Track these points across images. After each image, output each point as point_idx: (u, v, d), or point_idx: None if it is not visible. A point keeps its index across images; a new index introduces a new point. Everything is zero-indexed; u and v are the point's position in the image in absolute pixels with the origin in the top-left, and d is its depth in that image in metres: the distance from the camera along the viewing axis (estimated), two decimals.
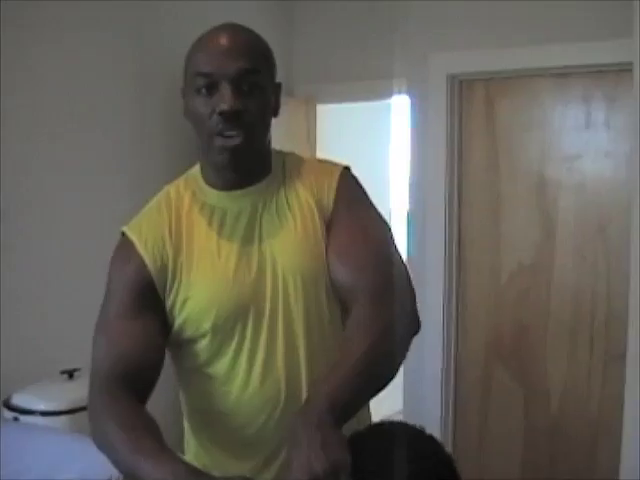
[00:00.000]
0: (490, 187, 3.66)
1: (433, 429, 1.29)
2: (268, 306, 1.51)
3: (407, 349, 1.46)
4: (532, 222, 3.57)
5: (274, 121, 1.59)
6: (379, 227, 1.58)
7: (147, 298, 1.51)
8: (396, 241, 1.58)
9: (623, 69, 3.11)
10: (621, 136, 3.32)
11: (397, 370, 1.42)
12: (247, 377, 1.52)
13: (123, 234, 1.57)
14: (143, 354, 1.46)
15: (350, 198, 1.58)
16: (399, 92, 3.89)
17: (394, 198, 5.44)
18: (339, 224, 1.54)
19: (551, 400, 3.50)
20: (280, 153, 1.65)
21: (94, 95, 3.45)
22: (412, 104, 3.80)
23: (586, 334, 3.44)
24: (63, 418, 2.93)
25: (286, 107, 3.84)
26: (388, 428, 1.26)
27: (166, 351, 1.55)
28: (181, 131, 3.79)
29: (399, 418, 1.32)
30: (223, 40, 1.48)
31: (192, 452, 1.65)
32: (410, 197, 3.86)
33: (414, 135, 3.83)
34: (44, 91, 3.22)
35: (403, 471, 1.17)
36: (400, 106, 4.84)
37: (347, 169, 1.64)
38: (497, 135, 3.66)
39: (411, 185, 3.84)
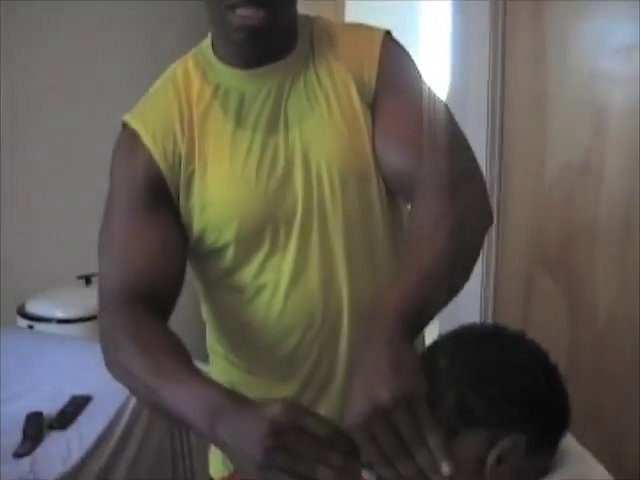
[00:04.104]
0: (536, 82, 3.36)
1: None
2: (300, 210, 1.23)
3: (481, 245, 1.20)
4: (581, 120, 3.28)
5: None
6: (437, 104, 1.27)
7: (160, 197, 1.24)
8: (457, 122, 1.29)
9: None
10: None
11: (471, 271, 1.16)
12: (274, 293, 1.27)
13: (125, 125, 1.29)
14: (160, 263, 1.20)
15: (398, 70, 1.28)
16: None
17: None
18: (387, 103, 1.25)
19: (598, 312, 3.28)
20: (307, 19, 1.34)
21: None
22: None
23: (638, 241, 3.19)
24: (80, 326, 2.80)
25: (315, 3, 3.54)
26: (468, 332, 1.05)
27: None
28: None
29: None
30: None
31: (219, 375, 1.42)
32: (448, 99, 3.56)
33: (454, 29, 3.52)
34: None
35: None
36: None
37: (389, 33, 1.33)
38: (545, 25, 3.35)
39: (451, 86, 3.55)
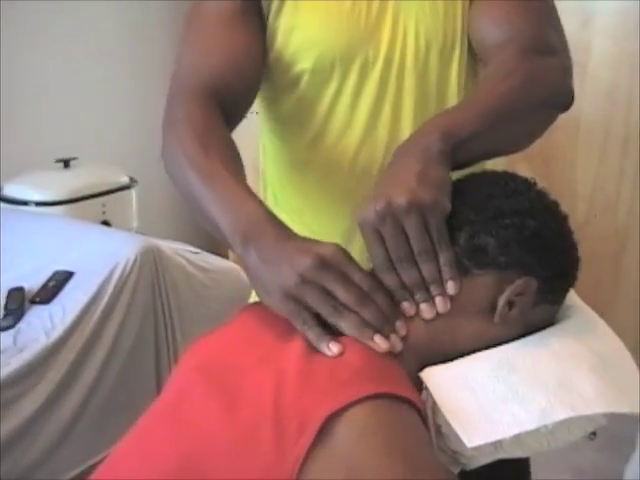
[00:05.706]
0: None
1: None
2: (381, 59, 1.21)
3: (550, 121, 1.15)
4: (568, 7, 3.24)
5: None
6: None
7: (252, 9, 1.20)
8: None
9: None
10: None
11: (531, 139, 1.14)
12: (342, 134, 1.24)
13: None
14: (239, 68, 1.17)
15: None
16: None
17: None
18: None
19: (578, 204, 3.30)
20: None
21: None
22: None
23: (620, 133, 3.19)
24: (60, 209, 2.76)
25: None
26: (479, 177, 1.03)
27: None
28: None
29: None
30: None
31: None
32: None
33: None
34: None
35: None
36: None
37: None
38: None
39: None
